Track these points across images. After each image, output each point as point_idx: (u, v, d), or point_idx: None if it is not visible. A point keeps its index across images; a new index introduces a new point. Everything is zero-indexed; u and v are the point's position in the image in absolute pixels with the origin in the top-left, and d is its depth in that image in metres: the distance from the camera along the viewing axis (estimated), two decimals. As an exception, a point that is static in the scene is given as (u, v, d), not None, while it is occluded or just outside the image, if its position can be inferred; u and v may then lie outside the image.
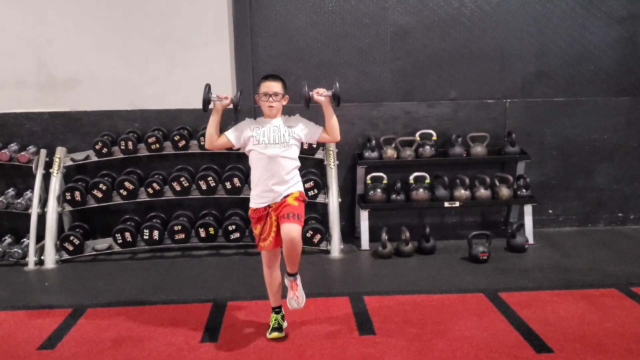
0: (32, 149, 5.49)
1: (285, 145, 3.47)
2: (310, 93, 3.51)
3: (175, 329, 3.84)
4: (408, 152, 5.56)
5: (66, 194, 5.27)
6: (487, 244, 5.08)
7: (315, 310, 4.01)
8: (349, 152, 5.76)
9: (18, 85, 5.54)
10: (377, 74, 5.73)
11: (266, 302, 3.87)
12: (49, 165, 5.42)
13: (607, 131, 5.85)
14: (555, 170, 5.91)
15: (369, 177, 5.55)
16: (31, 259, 5.17)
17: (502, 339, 3.58)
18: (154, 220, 5.43)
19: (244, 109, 5.29)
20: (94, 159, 5.46)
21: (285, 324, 3.74)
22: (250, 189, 3.73)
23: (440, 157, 5.62)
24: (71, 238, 5.23)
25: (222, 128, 3.64)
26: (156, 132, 5.49)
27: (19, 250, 5.24)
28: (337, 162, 5.47)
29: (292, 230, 3.37)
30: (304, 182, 5.20)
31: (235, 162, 5.57)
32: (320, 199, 5.36)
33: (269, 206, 3.51)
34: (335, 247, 5.27)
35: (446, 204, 5.45)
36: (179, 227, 5.23)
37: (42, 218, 5.28)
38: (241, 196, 5.29)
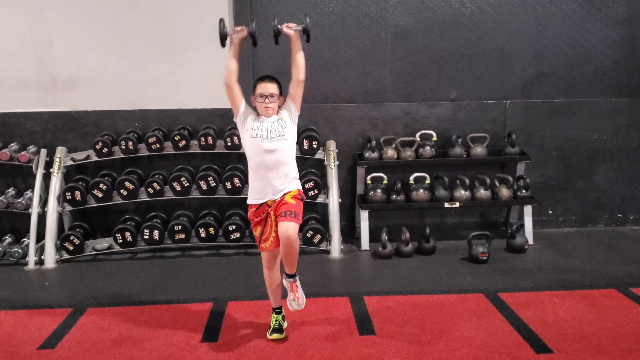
0: (32, 148, 5.49)
1: (281, 138, 3.46)
2: (280, 26, 3.48)
3: (175, 329, 3.84)
4: (408, 153, 5.57)
5: (66, 193, 5.27)
6: (487, 245, 5.09)
7: (315, 311, 4.01)
8: (349, 152, 5.77)
9: (18, 85, 5.54)
10: (377, 75, 5.73)
11: (266, 302, 3.87)
12: (49, 165, 5.43)
13: (607, 132, 5.86)
14: (555, 171, 5.92)
15: (369, 177, 5.55)
16: (31, 258, 5.17)
17: (501, 340, 3.58)
18: (154, 220, 5.44)
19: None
20: (94, 158, 5.46)
21: (285, 324, 3.74)
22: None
23: (440, 158, 5.63)
24: (71, 238, 5.23)
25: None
26: (156, 132, 5.49)
27: (19, 250, 5.24)
28: (337, 163, 5.47)
29: (288, 228, 3.36)
30: (304, 183, 5.21)
31: (236, 162, 5.57)
32: (321, 199, 5.36)
33: (267, 205, 3.51)
34: (336, 247, 5.27)
35: (446, 205, 5.45)
36: (179, 227, 5.24)
37: (42, 218, 5.29)
38: (241, 196, 5.29)
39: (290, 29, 3.48)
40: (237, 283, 4.67)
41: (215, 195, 5.35)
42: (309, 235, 5.23)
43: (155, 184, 5.27)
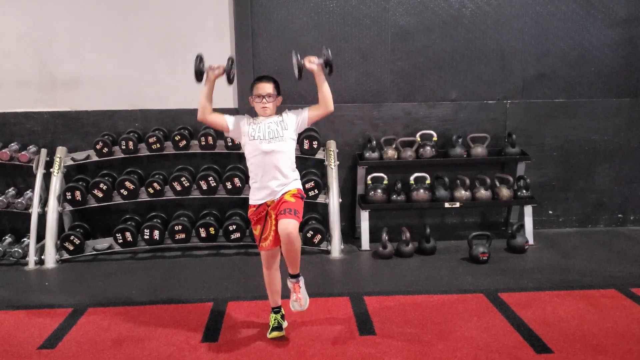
0: (32, 148, 5.50)
1: (280, 139, 3.46)
2: (302, 61, 3.49)
3: (175, 329, 3.84)
4: (409, 153, 5.57)
5: (67, 193, 5.27)
6: (487, 245, 5.09)
7: (315, 311, 4.01)
8: (350, 152, 5.77)
9: (19, 85, 5.55)
10: (377, 75, 5.73)
11: (266, 302, 3.87)
12: (49, 164, 5.43)
13: (608, 132, 5.86)
14: (555, 171, 5.92)
15: (369, 177, 5.55)
16: (31, 258, 5.17)
17: (502, 340, 3.58)
18: (155, 220, 5.44)
19: (243, 109, 5.32)
20: (95, 158, 5.46)
21: (285, 324, 3.74)
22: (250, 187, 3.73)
23: (440, 158, 5.63)
24: (71, 238, 5.23)
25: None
26: (157, 132, 5.49)
27: (20, 250, 5.24)
28: (338, 163, 5.47)
29: (288, 225, 3.35)
30: (305, 183, 5.21)
31: (236, 162, 5.57)
32: (321, 199, 5.36)
33: (267, 205, 3.51)
34: (336, 247, 5.27)
35: (446, 205, 5.45)
36: (180, 227, 5.24)
37: (42, 218, 5.29)
38: (242, 196, 5.29)
39: (312, 64, 3.47)
40: (237, 283, 4.67)
41: (216, 195, 5.35)
42: (309, 235, 5.23)
43: (155, 184, 5.28)
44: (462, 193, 5.48)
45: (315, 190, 5.32)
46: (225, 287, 4.58)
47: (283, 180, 3.49)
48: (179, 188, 5.28)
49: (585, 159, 5.90)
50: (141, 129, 5.64)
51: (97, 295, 4.49)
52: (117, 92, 5.60)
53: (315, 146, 5.40)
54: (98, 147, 5.38)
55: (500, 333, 3.67)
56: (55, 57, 5.51)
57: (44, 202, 5.33)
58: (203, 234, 5.26)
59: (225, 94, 5.13)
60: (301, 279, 3.63)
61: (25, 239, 5.38)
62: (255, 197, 3.54)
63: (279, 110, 3.61)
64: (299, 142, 5.30)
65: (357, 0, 5.59)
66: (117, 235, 5.25)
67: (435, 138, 5.63)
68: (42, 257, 5.20)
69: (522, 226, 5.40)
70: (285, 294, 3.72)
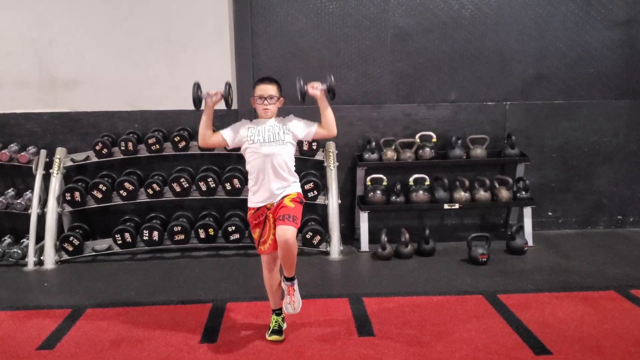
0: (32, 149, 5.50)
1: (280, 143, 3.46)
2: (305, 87, 3.50)
3: (174, 330, 3.84)
4: (408, 154, 5.57)
5: (66, 194, 5.27)
6: (487, 246, 5.09)
7: (314, 312, 4.01)
8: (349, 153, 5.77)
9: (18, 86, 5.55)
10: (377, 76, 5.73)
11: (265, 303, 3.88)
12: (48, 165, 5.43)
13: (607, 134, 5.86)
14: (554, 172, 5.92)
15: (368, 178, 5.55)
16: (31, 259, 5.17)
17: (501, 341, 3.58)
18: (154, 221, 5.44)
19: (243, 110, 5.33)
20: (94, 159, 5.46)
21: (285, 326, 3.74)
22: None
23: (440, 159, 5.63)
24: (71, 238, 5.23)
25: (222, 126, 3.65)
26: (156, 133, 5.49)
27: (19, 251, 5.24)
28: (337, 164, 5.47)
29: (286, 232, 3.36)
30: (304, 184, 5.21)
31: (235, 163, 5.57)
32: (320, 200, 5.36)
33: (266, 208, 3.51)
34: (335, 248, 5.27)
35: (446, 206, 5.45)
36: (179, 228, 5.24)
37: (41, 218, 5.29)
38: (241, 197, 5.29)
39: (315, 90, 3.48)
40: (236, 284, 4.67)
41: (215, 196, 5.35)
42: (308, 236, 5.22)
43: (154, 185, 5.28)
44: (462, 194, 5.48)
45: (315, 192, 5.32)
46: (224, 288, 4.58)
47: (282, 183, 3.49)
48: (178, 189, 5.28)
49: (585, 161, 5.90)
50: (140, 130, 5.65)
51: (96, 296, 4.49)
52: (117, 93, 5.60)
53: (314, 147, 5.40)
54: (97, 148, 5.38)
55: (499, 334, 3.67)
56: (55, 58, 5.52)
57: (43, 203, 5.33)
58: (202, 235, 5.26)
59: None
60: (295, 282, 3.63)
61: (24, 240, 5.38)
62: (254, 199, 3.54)
63: (281, 112, 3.61)
64: (298, 143, 5.29)
65: (356, 2, 5.60)
66: (116, 236, 5.25)
67: (434, 139, 5.62)
68: (42, 257, 5.20)
69: (521, 227, 5.39)
70: (283, 295, 3.71)
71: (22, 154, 5.35)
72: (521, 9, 5.66)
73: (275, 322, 3.69)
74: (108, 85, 5.58)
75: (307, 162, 5.61)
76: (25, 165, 5.37)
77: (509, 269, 4.90)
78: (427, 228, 5.30)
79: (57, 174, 5.35)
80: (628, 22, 5.71)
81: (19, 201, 5.34)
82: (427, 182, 5.53)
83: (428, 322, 3.86)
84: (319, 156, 5.49)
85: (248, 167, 3.54)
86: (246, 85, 5.47)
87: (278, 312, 3.73)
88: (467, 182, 5.50)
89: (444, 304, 4.16)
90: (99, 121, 5.63)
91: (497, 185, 5.53)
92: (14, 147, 5.47)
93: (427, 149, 5.55)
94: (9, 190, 5.55)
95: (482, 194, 5.48)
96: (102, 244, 5.43)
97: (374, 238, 5.42)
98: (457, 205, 5.45)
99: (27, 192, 5.50)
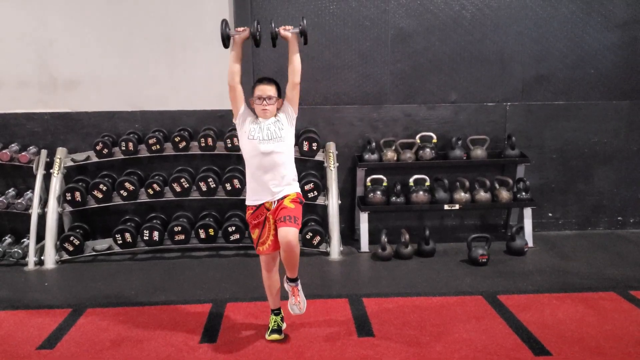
0: (32, 149, 5.50)
1: (278, 140, 3.45)
2: (277, 29, 3.48)
3: (174, 330, 3.84)
4: (408, 155, 5.57)
5: (66, 194, 5.27)
6: (487, 247, 5.09)
7: (314, 312, 4.01)
8: (349, 154, 5.77)
9: (19, 86, 5.55)
10: (377, 76, 5.74)
11: (265, 303, 3.88)
12: (49, 165, 5.43)
13: (607, 135, 5.86)
14: (555, 173, 5.92)
15: (368, 179, 5.55)
16: (31, 259, 5.18)
17: (500, 342, 3.58)
18: (154, 221, 5.44)
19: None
20: (95, 159, 5.46)
21: (284, 326, 3.75)
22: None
23: (440, 160, 5.63)
24: (71, 238, 5.23)
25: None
26: (157, 133, 5.50)
27: (19, 251, 5.25)
28: (337, 164, 5.47)
29: (288, 233, 3.36)
30: (304, 184, 5.21)
31: (236, 163, 5.57)
32: (320, 200, 5.37)
33: (266, 208, 3.51)
34: (335, 249, 5.27)
35: (446, 207, 5.45)
36: (179, 228, 5.24)
37: (42, 218, 5.29)
38: (241, 198, 5.29)
39: (287, 32, 3.49)
40: (236, 284, 4.68)
41: (215, 197, 5.35)
42: (308, 236, 5.23)
43: (155, 185, 5.28)
44: (462, 195, 5.48)
45: (315, 192, 5.32)
46: (224, 288, 4.59)
47: (281, 182, 3.48)
48: (178, 189, 5.28)
49: (585, 162, 5.90)
50: (141, 130, 5.65)
51: (97, 295, 4.50)
52: (117, 93, 5.60)
53: (314, 148, 5.40)
54: (98, 148, 5.38)
55: (499, 335, 3.67)
56: (56, 58, 5.52)
57: (43, 203, 5.33)
58: (202, 235, 5.26)
59: (226, 95, 5.12)
60: (299, 283, 3.63)
61: (25, 240, 5.39)
62: (253, 197, 3.53)
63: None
64: (299, 143, 5.30)
65: (357, 3, 5.60)
66: (116, 236, 5.25)
67: (434, 140, 5.63)
68: (42, 257, 5.21)
69: (521, 228, 5.39)
70: (285, 295, 3.72)
71: (23, 153, 5.35)
72: (521, 10, 5.66)
73: (275, 322, 3.69)
74: (109, 86, 5.58)
75: (307, 162, 5.62)
76: (26, 165, 5.38)
77: (509, 269, 4.90)
78: (427, 229, 5.30)
79: (57, 173, 5.36)
80: (628, 23, 5.71)
81: (19, 201, 5.34)
82: (427, 183, 5.54)
83: (428, 323, 3.87)
84: (319, 157, 5.49)
85: (247, 164, 3.53)
86: (246, 85, 5.46)
87: (277, 312, 3.73)
88: (467, 183, 5.50)
89: (443, 305, 4.16)
90: (100, 121, 5.64)
91: (497, 186, 5.54)
92: (14, 147, 5.48)
93: (428, 150, 5.56)
94: (10, 190, 5.55)
95: (482, 195, 5.48)
96: (102, 244, 5.43)
97: (374, 239, 5.42)
98: (457, 206, 5.45)
99: (28, 192, 5.50)
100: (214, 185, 5.29)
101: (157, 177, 5.44)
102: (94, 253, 5.36)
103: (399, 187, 5.49)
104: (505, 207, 5.74)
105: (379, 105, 5.76)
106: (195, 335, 3.75)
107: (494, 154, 5.73)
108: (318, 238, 5.24)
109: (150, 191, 5.29)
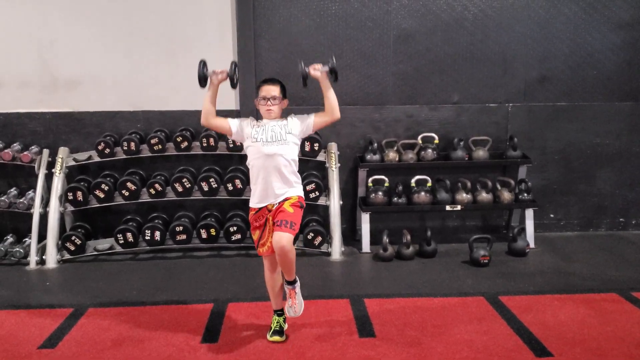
0: (34, 149, 5.51)
1: (282, 142, 3.45)
2: (307, 69, 3.50)
3: (175, 330, 3.84)
4: (410, 155, 5.57)
5: (68, 194, 5.28)
6: (488, 248, 5.08)
7: (315, 313, 4.01)
8: (351, 154, 5.77)
9: (21, 86, 5.56)
10: (379, 77, 5.73)
11: (267, 303, 3.88)
12: (51, 165, 5.44)
13: (609, 136, 5.86)
14: (557, 174, 5.91)
15: (370, 179, 5.55)
16: (33, 258, 5.18)
17: (502, 343, 3.58)
18: (156, 221, 5.44)
19: (245, 110, 5.33)
20: (97, 159, 5.47)
21: (286, 326, 3.75)
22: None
23: (442, 161, 5.63)
24: (73, 238, 5.24)
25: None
26: (159, 133, 5.50)
27: (21, 250, 5.25)
28: (339, 165, 5.47)
29: (282, 238, 3.36)
30: (306, 185, 5.21)
31: (237, 163, 5.58)
32: (322, 201, 5.37)
33: (267, 210, 3.51)
34: (336, 249, 5.27)
35: (448, 208, 5.45)
36: (181, 228, 5.24)
37: (44, 218, 5.29)
38: (243, 198, 5.29)
39: (317, 71, 3.48)
40: (237, 284, 4.68)
41: (217, 197, 5.36)
42: (309, 237, 5.23)
43: (157, 185, 5.28)
44: (464, 196, 5.47)
45: (316, 192, 5.32)
46: (225, 288, 4.59)
47: (284, 184, 3.48)
48: (180, 189, 5.28)
49: (587, 163, 5.89)
50: (143, 130, 5.66)
51: (98, 295, 4.50)
52: (119, 93, 5.61)
53: (316, 148, 5.40)
54: (100, 147, 5.39)
55: (500, 336, 3.67)
56: (57, 58, 5.53)
57: (45, 203, 5.34)
58: (204, 235, 5.27)
59: (228, 95, 5.14)
60: (297, 285, 3.63)
61: (26, 239, 5.39)
62: (256, 200, 3.53)
63: (284, 114, 3.61)
64: (301, 144, 5.29)
65: (359, 3, 5.60)
66: (118, 235, 5.26)
67: (436, 141, 5.63)
68: (44, 257, 5.21)
69: (523, 229, 5.39)
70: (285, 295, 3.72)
71: (25, 153, 5.36)
72: (524, 11, 5.66)
73: (277, 322, 3.69)
74: (110, 86, 5.59)
75: (309, 162, 5.62)
76: (28, 164, 5.38)
77: (510, 270, 4.89)
78: (428, 229, 5.30)
79: (59, 173, 5.36)
80: (631, 24, 5.71)
81: (21, 200, 5.35)
82: (429, 184, 5.53)
83: (429, 324, 3.86)
84: (320, 157, 5.49)
85: (250, 167, 3.53)
86: (248, 86, 5.48)
87: (279, 312, 3.73)
88: (469, 184, 5.50)
89: (445, 306, 4.16)
90: (102, 121, 5.65)
91: (499, 187, 5.53)
92: (16, 146, 5.48)
93: (429, 150, 5.55)
94: (12, 190, 5.56)
95: (484, 196, 5.47)
96: (104, 244, 5.44)
97: (375, 239, 5.42)
98: (458, 207, 5.45)
99: (30, 192, 5.51)
100: (216, 185, 5.29)
101: (158, 177, 5.44)
102: (96, 253, 5.36)
103: (400, 187, 5.49)
104: (507, 208, 5.74)
105: (381, 105, 5.76)
106: (197, 335, 3.75)
107: (495, 154, 5.72)
108: (319, 238, 5.24)
109: (152, 191, 5.30)
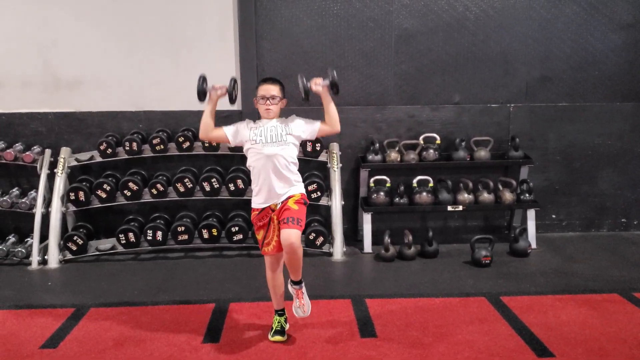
0: (36, 149, 5.52)
1: (282, 143, 3.45)
2: (308, 84, 3.50)
3: (177, 330, 3.85)
4: (412, 156, 5.56)
5: (70, 194, 5.29)
6: (490, 248, 5.08)
7: (317, 313, 4.01)
8: (353, 155, 5.77)
9: (23, 86, 5.57)
10: (381, 77, 5.73)
11: (268, 303, 3.88)
12: (53, 165, 5.44)
13: (611, 136, 5.85)
14: (558, 175, 5.91)
15: (372, 180, 5.55)
16: (35, 258, 5.19)
17: (503, 343, 3.58)
18: (158, 221, 5.45)
19: (247, 111, 5.33)
20: (99, 159, 5.48)
21: (287, 326, 3.75)
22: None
23: (443, 161, 5.63)
24: (75, 238, 5.24)
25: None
26: (160, 133, 5.50)
27: (23, 250, 5.25)
28: (341, 165, 5.47)
29: (291, 235, 3.35)
30: (307, 185, 5.21)
31: (239, 164, 5.58)
32: (323, 201, 5.37)
33: (271, 209, 3.51)
34: (338, 249, 5.27)
35: (449, 208, 5.45)
36: (183, 228, 5.24)
37: (46, 218, 5.30)
38: (244, 198, 5.30)
39: (318, 86, 3.49)
40: (239, 284, 4.68)
41: (219, 197, 5.36)
42: (311, 237, 5.23)
43: (159, 185, 5.29)
44: (465, 196, 5.47)
45: (318, 193, 5.32)
46: (227, 288, 4.59)
47: (285, 184, 3.48)
48: (182, 189, 5.29)
49: (589, 163, 5.89)
50: (145, 130, 5.66)
51: (100, 295, 4.50)
52: (121, 94, 5.62)
53: (318, 148, 5.41)
54: (102, 148, 5.39)
55: (502, 336, 3.67)
56: (59, 58, 5.54)
57: (47, 203, 5.34)
58: (206, 235, 5.27)
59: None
60: (303, 285, 3.63)
61: (28, 239, 5.40)
62: (258, 200, 3.53)
63: (284, 113, 3.61)
64: (302, 144, 5.30)
65: (361, 3, 5.60)
66: (120, 235, 5.26)
67: (438, 141, 5.63)
68: (45, 257, 5.22)
69: (524, 230, 5.39)
70: (288, 296, 3.72)
71: (27, 153, 5.37)
72: (525, 11, 5.66)
73: (278, 322, 3.70)
74: (112, 86, 5.60)
75: (310, 163, 5.62)
76: (30, 164, 5.39)
77: (512, 271, 4.89)
78: (430, 230, 5.30)
79: (61, 173, 5.37)
80: (633, 24, 5.70)
81: (23, 200, 5.36)
82: (431, 184, 5.53)
83: (430, 324, 3.86)
84: (322, 157, 5.49)
85: (250, 167, 3.54)
86: (250, 86, 5.47)
87: (281, 312, 3.73)
88: (470, 184, 5.50)
89: (446, 306, 4.16)
90: (104, 121, 5.65)
91: (500, 187, 5.53)
92: (18, 146, 5.49)
93: (431, 151, 5.55)
94: (14, 190, 5.56)
95: (486, 196, 5.47)
96: (105, 244, 5.44)
97: (377, 239, 5.42)
98: (460, 207, 5.45)
99: (32, 192, 5.51)
100: (218, 185, 5.30)
101: (160, 177, 5.45)
102: (98, 253, 5.37)
103: (402, 188, 5.49)
104: (509, 208, 5.73)
105: (382, 106, 5.76)
106: (198, 335, 3.76)
107: (497, 155, 5.72)
108: (321, 239, 5.24)
109: (154, 191, 5.30)
